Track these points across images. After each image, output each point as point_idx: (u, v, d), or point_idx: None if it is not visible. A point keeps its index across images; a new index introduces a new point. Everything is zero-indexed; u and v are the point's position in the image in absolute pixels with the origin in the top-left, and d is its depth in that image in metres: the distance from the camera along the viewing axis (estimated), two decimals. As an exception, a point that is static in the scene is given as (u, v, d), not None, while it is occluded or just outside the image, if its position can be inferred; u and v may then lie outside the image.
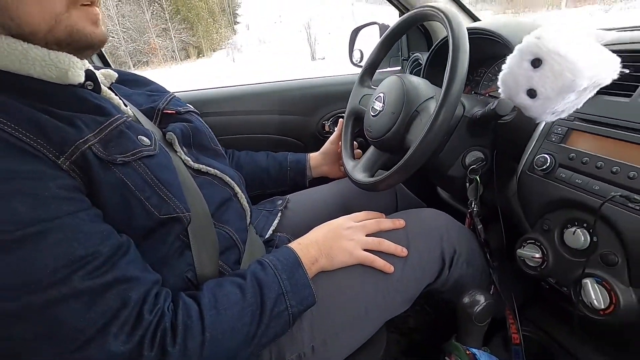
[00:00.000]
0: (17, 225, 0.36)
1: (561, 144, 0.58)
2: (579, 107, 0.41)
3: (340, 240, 0.62)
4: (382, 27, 1.23)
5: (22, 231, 0.36)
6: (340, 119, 0.93)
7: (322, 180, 0.96)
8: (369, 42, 1.27)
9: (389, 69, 1.27)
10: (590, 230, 0.52)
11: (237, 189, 0.67)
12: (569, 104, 0.39)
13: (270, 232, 0.79)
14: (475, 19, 1.07)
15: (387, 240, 0.64)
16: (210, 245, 0.56)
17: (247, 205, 0.69)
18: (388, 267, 0.62)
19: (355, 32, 1.27)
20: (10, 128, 0.38)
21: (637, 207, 0.46)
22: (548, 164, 0.58)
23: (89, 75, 0.49)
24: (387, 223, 0.67)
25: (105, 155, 0.44)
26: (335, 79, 1.24)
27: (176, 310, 0.43)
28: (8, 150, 0.38)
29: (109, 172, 0.44)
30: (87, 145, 0.43)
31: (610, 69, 0.37)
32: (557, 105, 0.39)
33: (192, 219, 0.53)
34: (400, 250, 0.64)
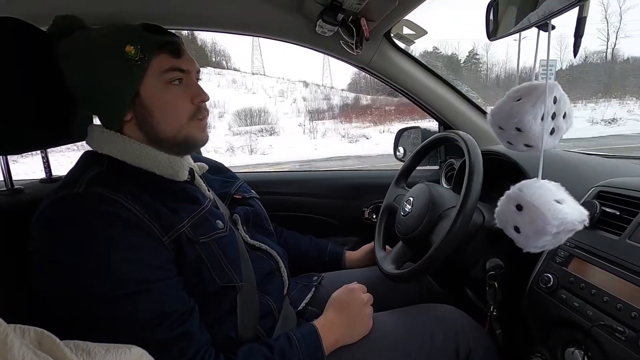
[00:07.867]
0: (135, 281, 0.52)
1: (563, 267, 0.65)
2: (562, 242, 0.50)
3: (362, 317, 0.74)
4: (424, 131, 1.41)
5: (136, 287, 0.52)
6: None
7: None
8: (409, 142, 1.46)
9: (428, 167, 1.42)
10: (589, 353, 0.57)
11: (280, 263, 0.81)
12: (547, 242, 0.48)
13: (303, 304, 0.89)
14: (483, 112, 1.22)
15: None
16: (252, 311, 0.69)
17: (286, 279, 0.82)
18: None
19: (400, 133, 1.47)
20: (141, 214, 0.56)
21: (621, 337, 0.52)
22: (552, 283, 0.65)
23: (190, 172, 0.69)
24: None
25: (192, 236, 0.61)
26: (373, 172, 1.43)
27: None
28: (138, 230, 0.55)
29: (192, 248, 0.60)
30: (183, 230, 0.60)
31: (577, 220, 0.47)
32: (537, 242, 0.48)
33: (243, 288, 0.67)
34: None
